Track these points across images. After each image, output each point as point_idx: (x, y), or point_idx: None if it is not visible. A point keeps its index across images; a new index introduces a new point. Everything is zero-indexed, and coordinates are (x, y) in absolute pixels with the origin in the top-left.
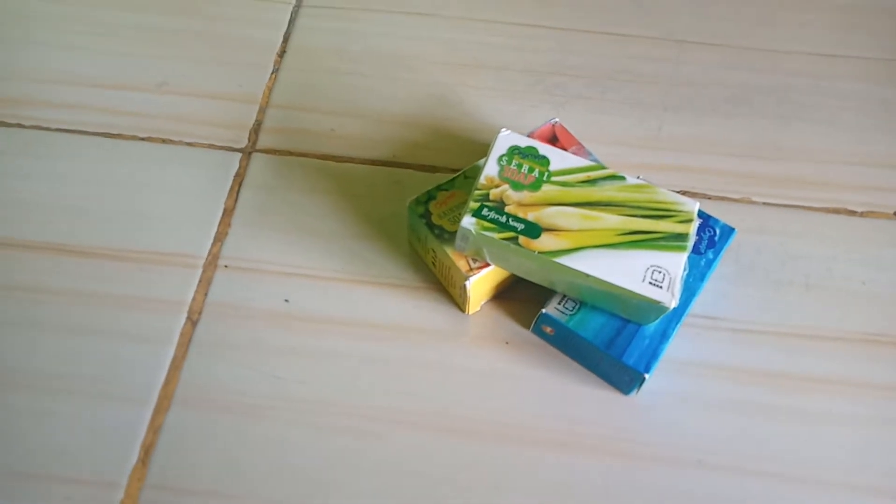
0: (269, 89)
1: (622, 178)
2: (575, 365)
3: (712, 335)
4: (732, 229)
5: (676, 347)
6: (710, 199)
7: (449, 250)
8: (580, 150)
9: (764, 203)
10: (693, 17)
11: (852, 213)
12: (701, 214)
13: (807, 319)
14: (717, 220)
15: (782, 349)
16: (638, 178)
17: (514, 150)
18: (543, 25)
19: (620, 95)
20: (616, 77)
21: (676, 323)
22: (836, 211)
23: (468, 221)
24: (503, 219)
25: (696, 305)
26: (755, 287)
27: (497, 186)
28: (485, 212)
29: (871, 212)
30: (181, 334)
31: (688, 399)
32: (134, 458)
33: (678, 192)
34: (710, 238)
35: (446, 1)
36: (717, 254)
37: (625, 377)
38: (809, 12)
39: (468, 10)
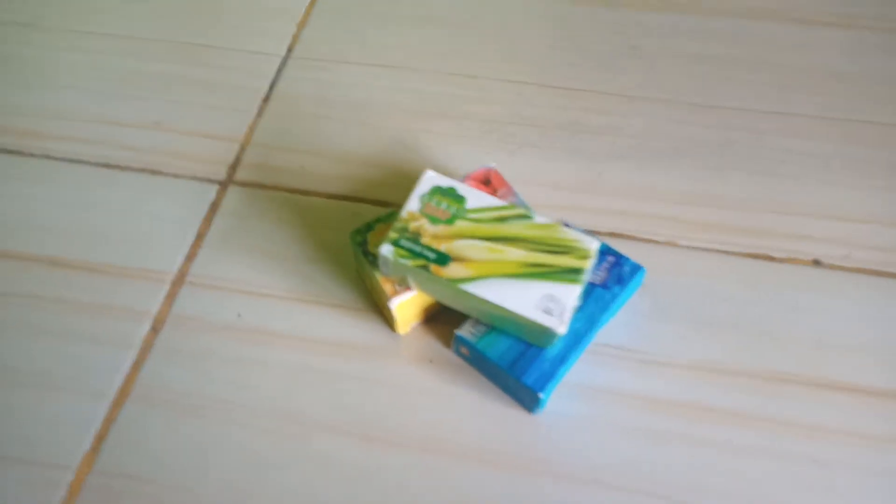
0: (252, 130)
1: (530, 217)
2: (489, 383)
3: (621, 364)
4: (641, 268)
5: (585, 373)
6: (636, 240)
7: (379, 275)
8: (508, 193)
9: (688, 246)
10: (646, 75)
11: (773, 258)
12: (613, 253)
13: (713, 355)
14: (627, 259)
15: (687, 382)
16: (560, 220)
17: (436, 190)
18: (505, 79)
19: (568, 144)
20: (566, 128)
21: (577, 349)
22: (758, 256)
23: (386, 249)
24: (417, 248)
25: (609, 336)
26: (670, 323)
27: (416, 220)
28: (402, 241)
29: (792, 258)
30: (144, 340)
31: (591, 421)
32: (87, 446)
33: (608, 234)
34: (619, 275)
35: (418, 55)
36: (623, 289)
37: (526, 396)
38: (756, 72)
39: (437, 64)
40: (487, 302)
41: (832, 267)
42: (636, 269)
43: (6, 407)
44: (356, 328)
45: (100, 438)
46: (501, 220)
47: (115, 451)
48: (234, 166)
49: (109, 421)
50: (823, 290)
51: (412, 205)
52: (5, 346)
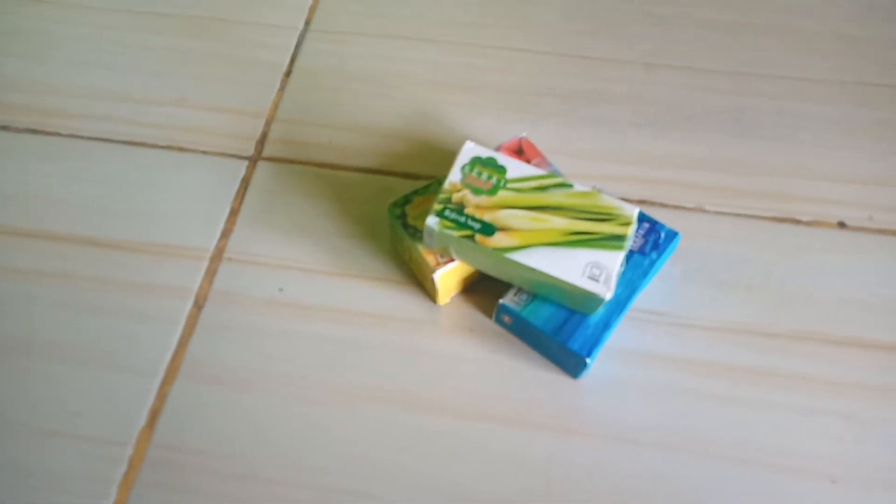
0: (276, 105)
1: (570, 185)
2: (530, 351)
3: (656, 328)
4: (676, 233)
5: (623, 338)
6: (665, 207)
7: (421, 247)
8: (542, 162)
9: (715, 212)
10: (662, 42)
11: (798, 222)
12: (648, 220)
13: (744, 317)
14: (662, 226)
15: (719, 342)
16: (594, 187)
17: (476, 160)
18: (524, 49)
19: (589, 113)
20: (587, 96)
21: (618, 314)
22: (783, 220)
23: (432, 220)
24: (462, 219)
25: (644, 301)
26: (700, 287)
27: (459, 191)
28: (447, 212)
29: (817, 221)
30: (188, 316)
31: (630, 384)
32: (142, 421)
33: (636, 202)
34: (655, 241)
35: (434, 26)
36: (660, 255)
37: (571, 361)
38: (768, 37)
39: (454, 35)
40: (534, 270)
41: (856, 229)
42: (672, 234)
43: (60, 383)
44: (396, 300)
45: (154, 413)
46: (542, 188)
47: (170, 426)
48: (261, 142)
49: (162, 396)
50: (849, 252)
51: (454, 176)
52: (47, 324)
